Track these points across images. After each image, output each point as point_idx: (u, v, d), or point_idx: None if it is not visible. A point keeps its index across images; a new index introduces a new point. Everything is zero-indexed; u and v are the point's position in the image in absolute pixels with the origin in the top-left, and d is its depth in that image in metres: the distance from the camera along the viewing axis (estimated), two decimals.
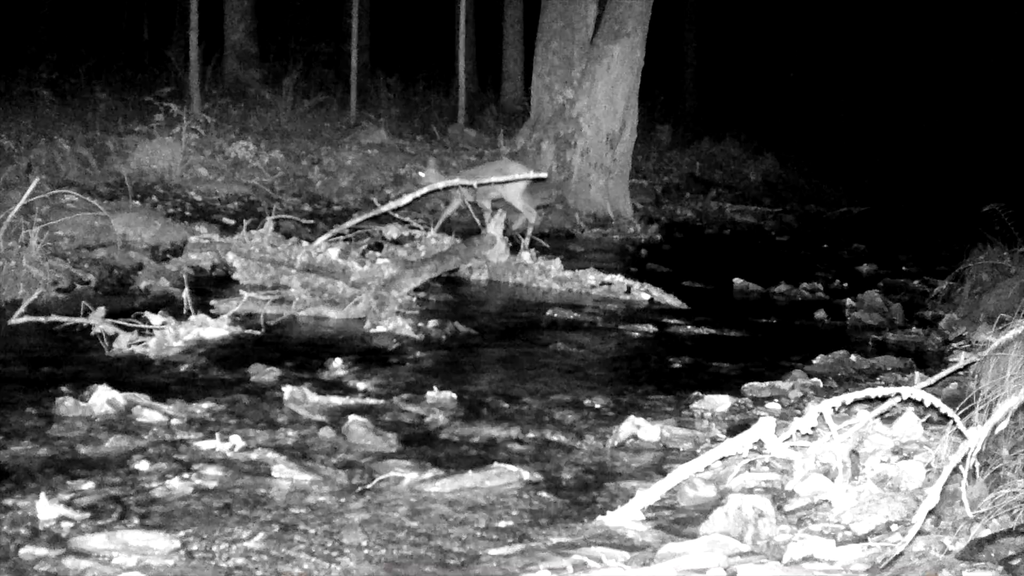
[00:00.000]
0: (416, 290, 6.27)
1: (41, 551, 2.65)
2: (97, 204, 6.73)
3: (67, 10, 15.77)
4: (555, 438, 3.83)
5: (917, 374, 4.69)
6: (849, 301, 6.99)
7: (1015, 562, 2.51)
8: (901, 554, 2.67)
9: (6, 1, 14.38)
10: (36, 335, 4.89)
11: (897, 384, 4.25)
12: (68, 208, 7.02)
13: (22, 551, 2.65)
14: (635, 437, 3.81)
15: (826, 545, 2.80)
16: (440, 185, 7.72)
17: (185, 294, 5.33)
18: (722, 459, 3.36)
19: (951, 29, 23.42)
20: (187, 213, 8.35)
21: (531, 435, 3.85)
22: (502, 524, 3.01)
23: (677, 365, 5.11)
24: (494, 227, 7.20)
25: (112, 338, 4.78)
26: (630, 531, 2.98)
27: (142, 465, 3.28)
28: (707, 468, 3.34)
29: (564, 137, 10.77)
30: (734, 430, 3.79)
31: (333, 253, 6.38)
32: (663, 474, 3.30)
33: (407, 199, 7.44)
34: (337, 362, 4.65)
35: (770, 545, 2.87)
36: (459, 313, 5.95)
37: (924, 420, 3.75)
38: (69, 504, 2.94)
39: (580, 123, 10.68)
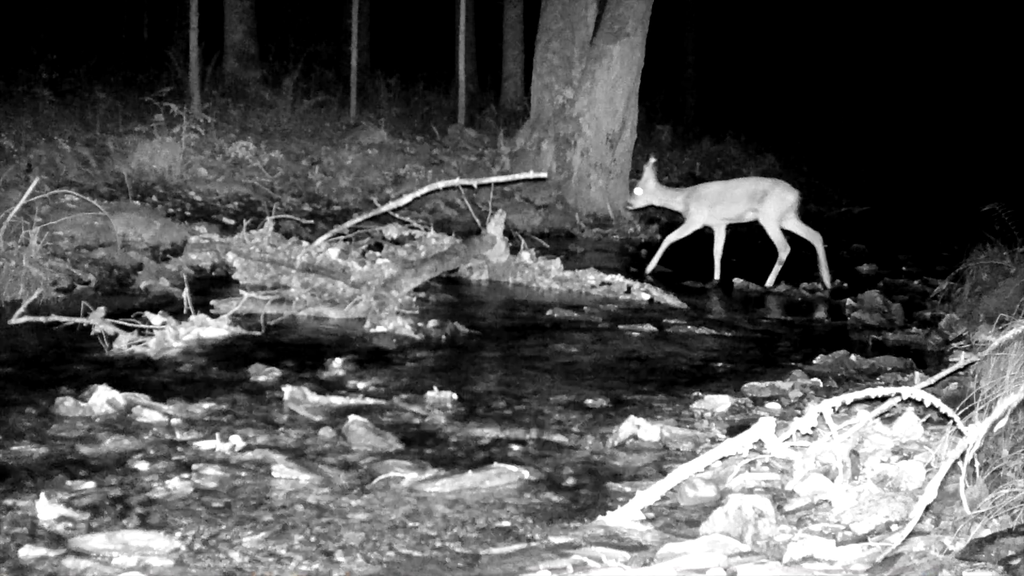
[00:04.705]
0: (416, 290, 6.27)
1: (41, 551, 2.65)
2: (97, 204, 6.73)
3: (67, 10, 15.77)
4: (555, 438, 3.83)
5: (917, 374, 4.69)
6: (849, 301, 6.99)
7: (1015, 562, 2.51)
8: (900, 553, 2.66)
9: (6, 1, 14.38)
10: (36, 335, 4.89)
11: (897, 384, 4.25)
12: (68, 208, 7.02)
13: (22, 551, 2.65)
14: (635, 437, 3.81)
15: (826, 545, 2.80)
16: (440, 185, 7.73)
17: (185, 294, 5.33)
18: (722, 459, 3.36)
19: (951, 29, 23.41)
20: (187, 213, 8.35)
21: (531, 435, 3.85)
22: (502, 524, 3.01)
23: (677, 365, 5.11)
24: (494, 227, 7.20)
25: (112, 338, 4.78)
26: (630, 531, 2.98)
27: (142, 465, 3.28)
28: (707, 468, 3.34)
29: (564, 137, 10.77)
30: (734, 430, 3.79)
31: (333, 253, 6.39)
32: (663, 474, 3.30)
33: (407, 199, 7.45)
34: (337, 362, 4.65)
35: (770, 545, 2.87)
36: (459, 313, 5.95)
37: (924, 420, 3.75)
38: (69, 504, 2.94)
39: (580, 123, 10.68)
